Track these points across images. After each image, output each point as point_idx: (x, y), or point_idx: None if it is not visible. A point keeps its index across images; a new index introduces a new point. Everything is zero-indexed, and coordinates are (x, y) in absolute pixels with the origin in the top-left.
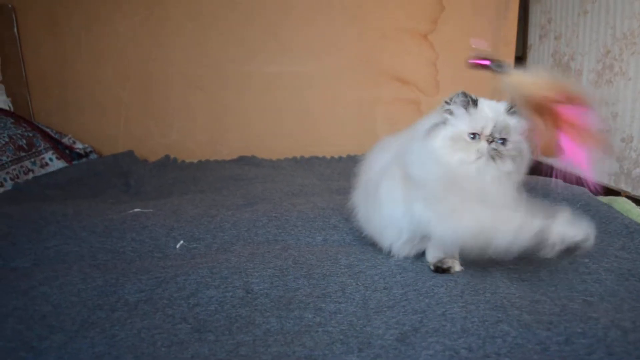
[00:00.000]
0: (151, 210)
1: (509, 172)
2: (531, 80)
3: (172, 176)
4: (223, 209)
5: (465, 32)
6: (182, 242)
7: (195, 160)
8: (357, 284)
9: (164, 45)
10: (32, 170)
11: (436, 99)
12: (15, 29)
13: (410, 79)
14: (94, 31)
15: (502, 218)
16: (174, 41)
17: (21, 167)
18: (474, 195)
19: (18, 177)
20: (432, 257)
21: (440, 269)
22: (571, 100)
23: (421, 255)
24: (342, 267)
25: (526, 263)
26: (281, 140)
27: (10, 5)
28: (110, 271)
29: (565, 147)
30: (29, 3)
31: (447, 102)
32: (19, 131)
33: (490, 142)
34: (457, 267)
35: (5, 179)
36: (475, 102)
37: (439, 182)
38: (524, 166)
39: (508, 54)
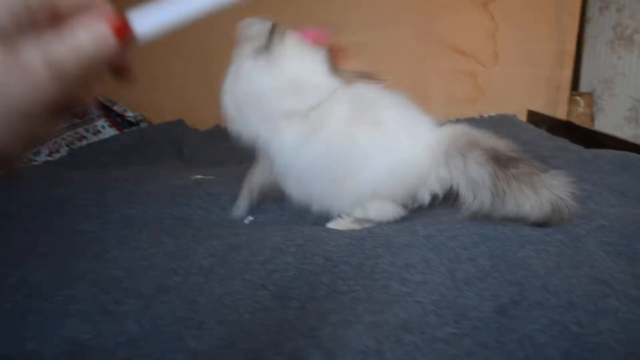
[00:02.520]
0: (212, 177)
1: None
2: None
3: (225, 145)
4: None
5: (527, 2)
6: (251, 217)
7: None
8: (440, 257)
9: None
10: (86, 137)
11: (494, 70)
12: None
13: (468, 51)
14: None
15: None
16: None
17: (75, 133)
18: None
19: (73, 144)
20: None
21: None
22: None
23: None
24: (421, 237)
25: (620, 236)
26: None
27: None
28: (179, 237)
29: None
30: None
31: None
32: None
33: None
34: None
35: (61, 145)
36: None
37: None
38: None
39: (571, 25)
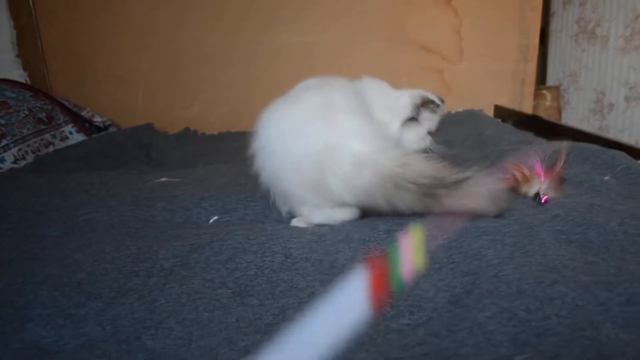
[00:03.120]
0: (178, 179)
1: None
2: None
3: (194, 148)
4: (251, 177)
5: None
6: (215, 217)
7: (215, 133)
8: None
9: (184, 15)
10: (53, 144)
11: (459, 67)
12: (31, 1)
13: (433, 47)
14: (111, 1)
15: None
16: (193, 11)
17: (42, 140)
18: None
19: (39, 150)
20: None
21: None
22: None
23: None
24: (381, 232)
25: (574, 225)
26: None
27: None
28: (142, 239)
29: None
30: None
31: (418, 105)
32: (38, 104)
33: None
34: None
35: (27, 152)
36: (438, 107)
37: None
38: None
39: (534, 19)
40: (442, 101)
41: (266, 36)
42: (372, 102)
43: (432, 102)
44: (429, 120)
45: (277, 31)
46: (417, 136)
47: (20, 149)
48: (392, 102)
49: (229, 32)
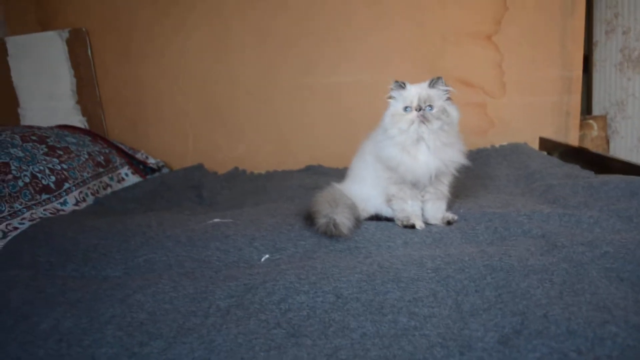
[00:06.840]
0: (230, 220)
1: (439, 127)
2: None
3: (243, 187)
4: (300, 217)
5: (531, 32)
6: (267, 255)
7: (263, 172)
8: (448, 289)
9: (227, 61)
10: (110, 185)
11: (502, 101)
12: (89, 52)
13: (475, 82)
14: (160, 51)
15: None
16: (236, 56)
17: (100, 182)
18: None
19: (98, 192)
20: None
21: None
22: None
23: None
24: (429, 271)
25: (624, 262)
26: (347, 148)
27: (84, 29)
28: (199, 279)
29: None
30: (100, 26)
31: (389, 92)
32: (97, 148)
33: (418, 110)
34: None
35: (87, 194)
36: (404, 85)
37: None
38: (451, 120)
39: (576, 52)
40: (432, 80)
41: (304, 77)
42: None
43: (395, 81)
44: (399, 98)
45: (314, 73)
46: (387, 115)
47: (81, 192)
48: None
49: (269, 75)
